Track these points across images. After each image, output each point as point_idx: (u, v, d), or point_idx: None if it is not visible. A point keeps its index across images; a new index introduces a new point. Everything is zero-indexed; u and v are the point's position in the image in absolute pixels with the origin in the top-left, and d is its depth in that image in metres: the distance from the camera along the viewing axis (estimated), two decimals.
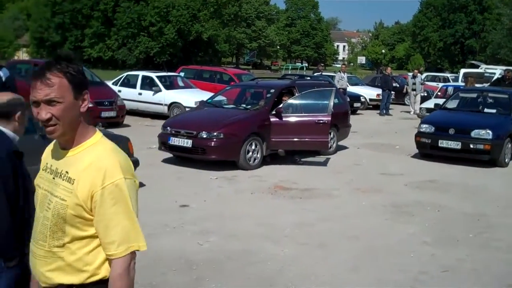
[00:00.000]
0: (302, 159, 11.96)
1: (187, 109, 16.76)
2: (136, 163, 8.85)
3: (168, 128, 11.19)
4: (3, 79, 10.81)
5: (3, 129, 3.21)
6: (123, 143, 8.68)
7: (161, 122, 16.34)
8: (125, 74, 20.82)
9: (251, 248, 6.45)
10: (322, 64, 44.09)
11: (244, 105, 12.30)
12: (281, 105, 11.51)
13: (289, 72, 45.97)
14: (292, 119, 11.49)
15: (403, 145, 14.71)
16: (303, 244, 6.65)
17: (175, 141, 10.92)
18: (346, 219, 7.84)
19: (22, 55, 74.31)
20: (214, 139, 10.58)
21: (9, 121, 3.27)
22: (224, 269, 5.80)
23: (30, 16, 71.08)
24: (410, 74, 25.94)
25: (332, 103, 11.55)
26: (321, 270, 5.87)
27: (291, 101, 11.70)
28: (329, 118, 11.37)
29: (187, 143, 10.73)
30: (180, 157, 11.37)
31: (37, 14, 64.31)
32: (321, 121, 11.33)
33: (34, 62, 17.66)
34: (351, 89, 24.66)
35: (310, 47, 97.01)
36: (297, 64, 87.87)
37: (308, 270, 5.87)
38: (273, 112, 11.43)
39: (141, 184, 9.14)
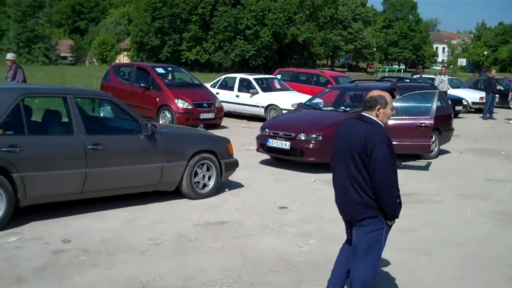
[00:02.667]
0: (402, 163, 11.66)
1: (283, 111, 16.81)
2: (236, 163, 8.98)
3: (267, 130, 11.25)
4: None
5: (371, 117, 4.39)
6: (223, 144, 8.82)
7: (257, 124, 16.49)
8: (223, 76, 21.20)
9: None
10: (420, 66, 42.94)
11: (343, 107, 12.14)
12: None
13: (386, 75, 45.17)
14: (393, 122, 11.21)
15: (509, 150, 14.07)
16: (406, 250, 6.47)
17: (273, 142, 10.96)
18: (450, 226, 7.56)
19: (123, 58, 77.42)
20: (313, 141, 10.52)
21: (372, 111, 4.38)
22: (325, 272, 5.68)
23: (131, 21, 73.96)
24: None
25: (435, 106, 11.21)
26: (426, 277, 5.69)
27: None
28: (432, 121, 11.04)
29: (285, 145, 10.74)
30: (278, 159, 11.40)
31: (137, 19, 66.75)
32: (424, 124, 11.02)
33: (137, 65, 18.24)
34: (453, 91, 23.86)
35: (408, 49, 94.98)
36: (393, 66, 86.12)
37: (413, 276, 5.70)
38: None
39: (240, 185, 9.28)
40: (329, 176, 10.22)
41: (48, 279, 5.22)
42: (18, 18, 72.91)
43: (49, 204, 7.16)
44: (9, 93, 6.92)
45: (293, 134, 10.69)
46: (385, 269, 5.84)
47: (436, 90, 12.14)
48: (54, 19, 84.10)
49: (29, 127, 6.93)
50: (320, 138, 10.52)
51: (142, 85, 16.48)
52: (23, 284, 5.08)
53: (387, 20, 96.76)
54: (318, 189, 9.50)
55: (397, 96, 11.75)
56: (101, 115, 9.60)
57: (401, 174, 10.81)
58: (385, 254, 6.23)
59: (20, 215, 6.80)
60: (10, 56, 14.27)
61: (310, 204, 8.45)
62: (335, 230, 7.08)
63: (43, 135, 7.17)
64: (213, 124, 16.21)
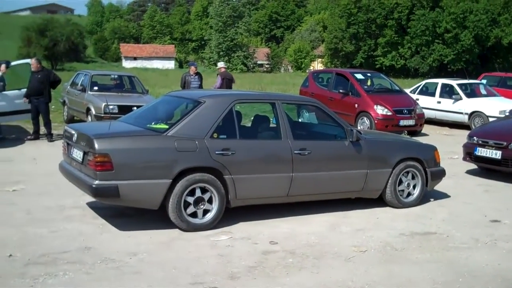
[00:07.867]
0: None
1: (490, 118, 15.83)
2: (443, 173, 8.63)
3: (475, 138, 10.64)
4: None
5: None
6: (430, 152, 8.51)
7: (460, 131, 15.76)
8: (423, 82, 20.57)
9: None
10: None
11: None
12: None
13: None
14: None
15: None
16: None
17: (481, 151, 10.33)
18: None
19: (317, 65, 78.64)
20: None
21: None
22: None
23: (326, 28, 74.89)
24: None
25: None
26: None
27: None
28: None
29: (495, 154, 10.07)
30: (487, 169, 10.73)
31: (332, 26, 67.34)
32: None
33: (336, 72, 18.35)
34: None
35: None
36: None
37: None
38: None
39: (446, 195, 8.89)
40: None
41: (258, 278, 5.37)
42: (219, 28, 77.88)
43: (255, 206, 7.41)
44: (223, 99, 7.28)
45: (505, 143, 9.97)
46: None
47: None
48: (252, 28, 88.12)
49: (240, 131, 7.24)
50: None
51: (340, 91, 16.54)
52: (236, 281, 5.27)
53: None
54: None
55: None
56: (300, 120, 9.78)
57: None
58: None
59: (230, 215, 7.12)
60: (220, 64, 16.58)
61: None
62: None
63: (253, 139, 7.47)
64: (414, 131, 15.74)
